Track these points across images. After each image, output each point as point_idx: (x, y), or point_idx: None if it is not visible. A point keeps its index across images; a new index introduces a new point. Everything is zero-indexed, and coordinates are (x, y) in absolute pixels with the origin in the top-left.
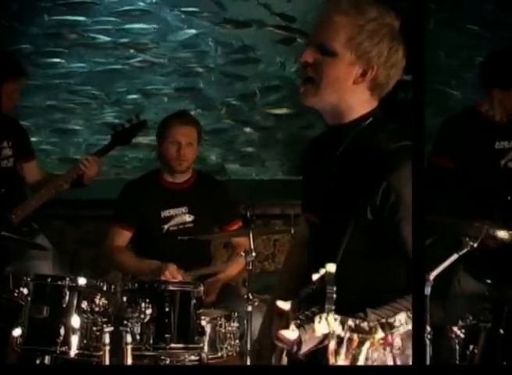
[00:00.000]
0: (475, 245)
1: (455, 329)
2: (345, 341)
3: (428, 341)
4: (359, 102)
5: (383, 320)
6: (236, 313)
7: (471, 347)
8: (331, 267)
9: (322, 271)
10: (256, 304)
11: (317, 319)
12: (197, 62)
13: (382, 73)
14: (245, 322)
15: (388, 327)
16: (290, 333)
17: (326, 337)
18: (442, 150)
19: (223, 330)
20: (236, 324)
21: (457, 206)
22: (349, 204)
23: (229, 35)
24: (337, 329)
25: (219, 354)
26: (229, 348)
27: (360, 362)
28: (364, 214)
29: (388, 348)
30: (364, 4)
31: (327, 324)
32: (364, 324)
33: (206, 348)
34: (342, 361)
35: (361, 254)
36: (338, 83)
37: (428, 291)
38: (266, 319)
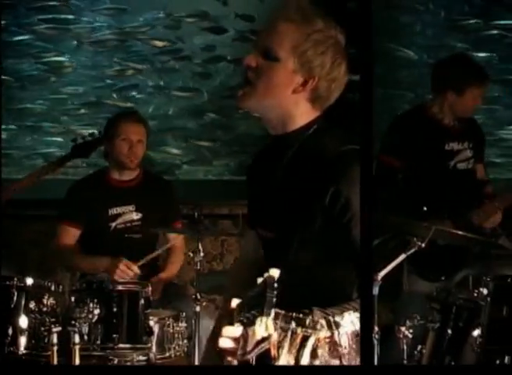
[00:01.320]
0: (423, 245)
1: (403, 329)
2: (288, 334)
3: (375, 341)
4: (300, 113)
5: (330, 318)
6: (184, 313)
7: (419, 347)
8: (274, 272)
9: (266, 275)
10: (204, 304)
11: (257, 321)
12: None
13: (323, 85)
14: (193, 322)
15: (335, 326)
16: (234, 330)
17: (266, 340)
18: (389, 149)
19: (171, 331)
20: (184, 324)
21: (406, 206)
22: (299, 212)
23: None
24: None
25: (167, 354)
26: (177, 348)
27: (305, 357)
28: (315, 221)
29: (334, 347)
30: (311, 14)
31: (265, 328)
32: (308, 319)
33: (154, 348)
34: (285, 354)
35: (312, 260)
36: (277, 90)
37: (376, 291)
38: (219, 319)
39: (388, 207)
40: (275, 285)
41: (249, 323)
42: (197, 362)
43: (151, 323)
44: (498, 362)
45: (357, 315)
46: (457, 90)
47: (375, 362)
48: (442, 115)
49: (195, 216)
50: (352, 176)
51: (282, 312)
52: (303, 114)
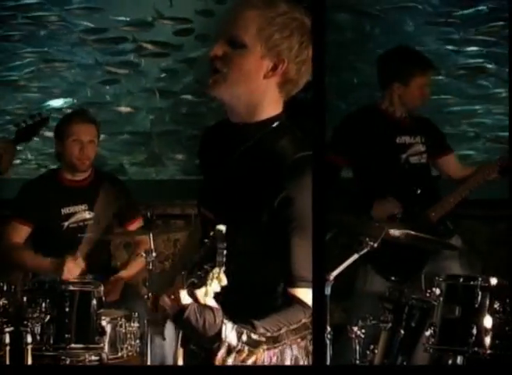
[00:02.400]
0: (375, 245)
1: (355, 329)
2: (234, 352)
3: (328, 341)
4: (269, 101)
5: (268, 334)
6: (136, 313)
7: (372, 347)
8: (221, 226)
9: (212, 232)
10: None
11: (208, 279)
12: None
13: (292, 68)
14: (145, 322)
15: (271, 341)
16: (184, 296)
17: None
18: (336, 148)
19: (123, 330)
20: (136, 324)
21: (357, 205)
22: (245, 204)
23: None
24: (224, 283)
25: (119, 354)
26: (129, 348)
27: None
28: (259, 216)
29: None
30: None
31: (219, 281)
32: (256, 337)
33: (106, 348)
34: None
35: (252, 253)
36: (248, 76)
37: (328, 291)
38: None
39: (339, 207)
40: (224, 238)
41: (200, 283)
42: (149, 362)
43: (104, 322)
44: (450, 362)
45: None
46: (402, 81)
47: (328, 362)
48: (392, 108)
49: (147, 216)
50: (304, 184)
51: (235, 326)
52: (270, 103)
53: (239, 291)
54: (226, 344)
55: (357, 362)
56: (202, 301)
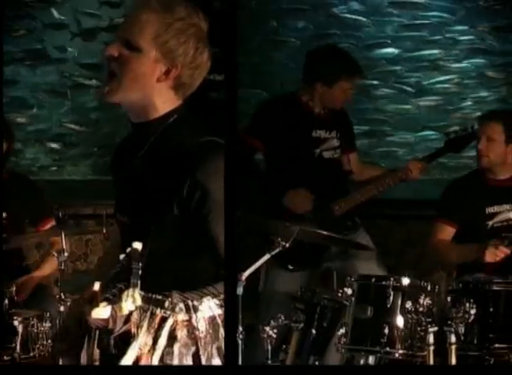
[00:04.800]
0: (287, 245)
1: (267, 329)
2: (148, 314)
3: (240, 341)
4: (163, 101)
5: (189, 302)
6: (48, 313)
7: (283, 347)
8: (137, 245)
9: (128, 249)
10: (68, 304)
11: (124, 296)
12: None
13: (185, 73)
14: (57, 322)
15: (193, 310)
16: (102, 311)
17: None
18: (254, 131)
19: (35, 330)
20: (48, 324)
21: (269, 189)
22: (156, 201)
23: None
24: (138, 304)
25: (31, 354)
26: (41, 348)
27: (163, 338)
28: (171, 211)
29: (191, 330)
30: (173, 3)
31: (133, 300)
32: (167, 301)
33: (18, 348)
34: (144, 334)
35: (170, 250)
36: (141, 80)
37: (240, 290)
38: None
39: (252, 199)
40: (140, 257)
41: (115, 299)
42: (61, 362)
43: (15, 322)
44: (362, 362)
45: (216, 301)
46: (327, 82)
47: (239, 362)
48: (312, 103)
49: (59, 216)
50: (210, 167)
51: (142, 293)
52: (165, 102)
53: (163, 287)
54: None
55: (269, 362)
56: (118, 314)
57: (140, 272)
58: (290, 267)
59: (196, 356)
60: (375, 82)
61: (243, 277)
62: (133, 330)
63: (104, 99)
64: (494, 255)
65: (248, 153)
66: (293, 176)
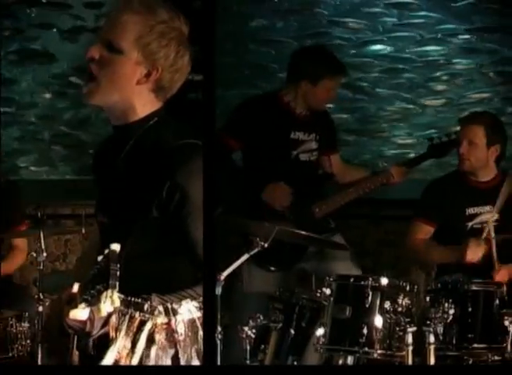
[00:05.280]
0: (266, 245)
1: (245, 329)
2: (127, 318)
3: (218, 341)
4: (142, 103)
5: (168, 305)
6: (26, 313)
7: (262, 347)
8: (115, 246)
9: (106, 251)
10: (47, 304)
11: (102, 298)
12: None
13: (166, 76)
14: (36, 322)
15: (172, 312)
16: (80, 313)
17: (112, 316)
18: (230, 129)
19: (14, 331)
20: (27, 324)
21: (247, 187)
22: (135, 203)
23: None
24: (120, 305)
25: (10, 354)
26: (20, 348)
27: (142, 342)
28: (150, 212)
29: (170, 333)
30: (155, 5)
31: (111, 302)
32: (146, 304)
33: None
34: (122, 337)
35: (149, 252)
36: (121, 82)
37: (219, 290)
38: (53, 313)
39: (230, 198)
40: (118, 259)
41: (94, 301)
42: (39, 362)
43: None
44: (341, 362)
45: (195, 303)
46: (312, 80)
47: (218, 362)
48: (294, 103)
49: (38, 216)
50: (190, 169)
51: (122, 296)
52: (145, 105)
53: (142, 290)
54: (116, 310)
55: (248, 362)
56: (96, 316)
57: (118, 273)
58: (272, 268)
59: (175, 359)
60: (370, 81)
61: (222, 277)
62: (112, 333)
63: (83, 101)
64: (475, 253)
65: (223, 151)
66: (270, 176)
